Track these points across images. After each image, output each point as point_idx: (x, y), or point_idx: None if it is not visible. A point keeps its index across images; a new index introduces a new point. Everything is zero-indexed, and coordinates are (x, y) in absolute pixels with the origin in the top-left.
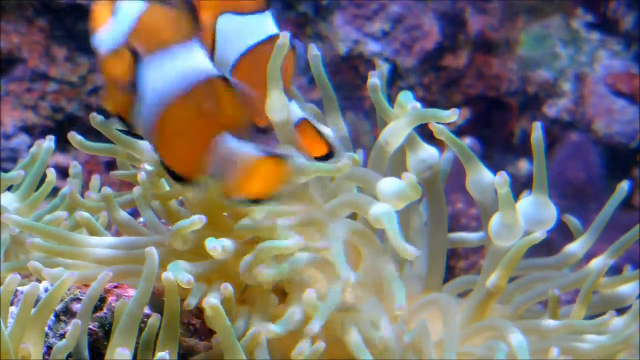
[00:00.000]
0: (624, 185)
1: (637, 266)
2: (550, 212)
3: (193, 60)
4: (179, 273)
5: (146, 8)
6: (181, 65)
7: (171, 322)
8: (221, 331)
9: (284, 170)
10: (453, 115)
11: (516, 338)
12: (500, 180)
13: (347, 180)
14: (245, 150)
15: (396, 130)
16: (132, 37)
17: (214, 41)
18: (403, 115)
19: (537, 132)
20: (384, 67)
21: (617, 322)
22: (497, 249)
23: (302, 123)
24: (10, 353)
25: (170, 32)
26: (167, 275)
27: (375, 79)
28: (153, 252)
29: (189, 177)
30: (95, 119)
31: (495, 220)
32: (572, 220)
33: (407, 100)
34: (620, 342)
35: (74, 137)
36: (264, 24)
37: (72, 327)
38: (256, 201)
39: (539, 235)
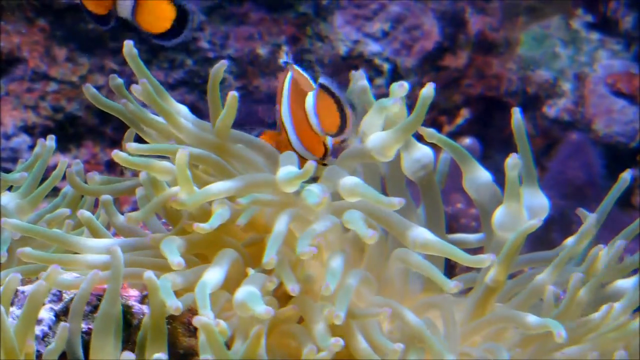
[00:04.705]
0: (625, 175)
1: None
2: (542, 201)
3: None
4: (171, 257)
5: None
6: None
7: (158, 322)
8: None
9: None
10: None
11: (532, 319)
12: (511, 162)
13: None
14: None
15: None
16: None
17: None
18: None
19: (516, 115)
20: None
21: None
22: (499, 243)
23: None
24: (17, 351)
25: None
26: (149, 275)
27: (364, 81)
28: (116, 250)
29: None
30: (115, 80)
31: (499, 210)
32: (584, 214)
33: (397, 89)
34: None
35: (89, 89)
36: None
37: (60, 330)
38: None
39: (535, 222)
